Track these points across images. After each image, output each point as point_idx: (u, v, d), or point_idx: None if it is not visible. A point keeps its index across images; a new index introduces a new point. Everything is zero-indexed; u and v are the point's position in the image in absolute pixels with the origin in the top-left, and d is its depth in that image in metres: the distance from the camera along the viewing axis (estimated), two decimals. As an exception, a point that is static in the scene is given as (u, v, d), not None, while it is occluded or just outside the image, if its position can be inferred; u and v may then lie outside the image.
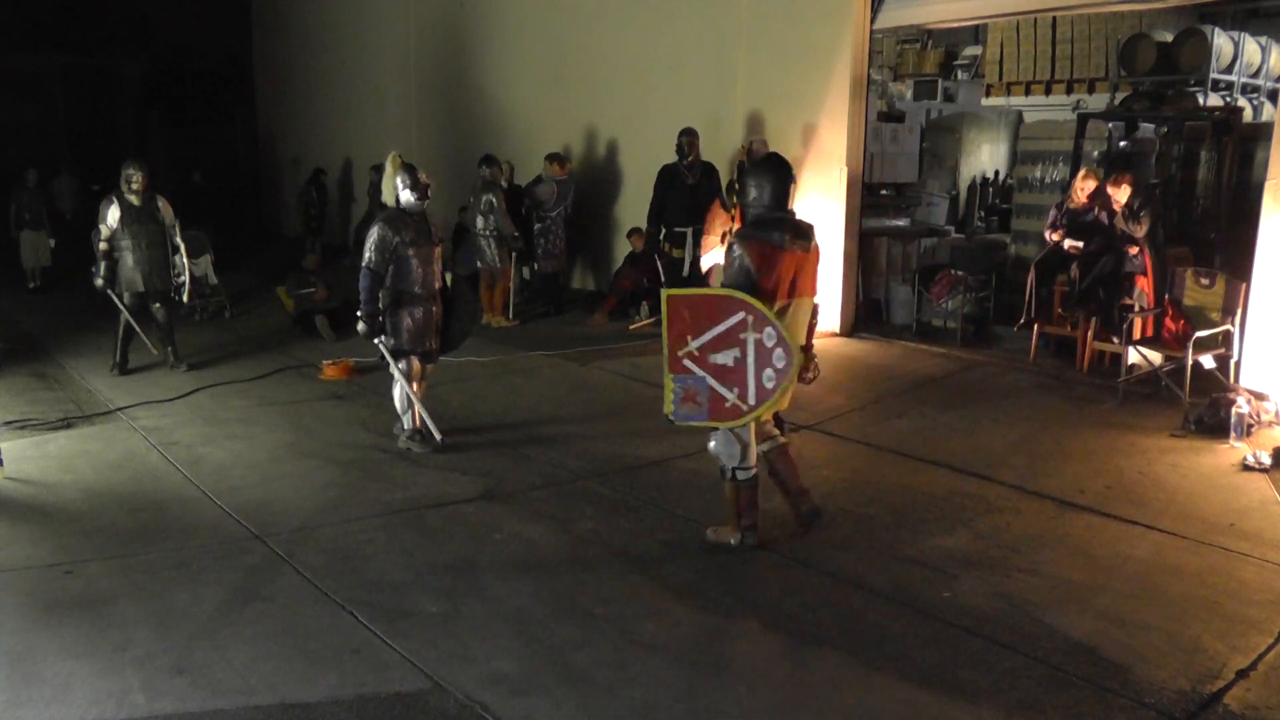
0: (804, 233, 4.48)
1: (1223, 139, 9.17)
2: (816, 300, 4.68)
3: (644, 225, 10.05)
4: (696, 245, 9.29)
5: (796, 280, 4.44)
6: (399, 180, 6.08)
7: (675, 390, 4.45)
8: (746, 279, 4.32)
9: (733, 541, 4.69)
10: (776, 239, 4.36)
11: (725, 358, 4.31)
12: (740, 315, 4.25)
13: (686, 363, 4.40)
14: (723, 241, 8.98)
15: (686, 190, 9.24)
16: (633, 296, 10.28)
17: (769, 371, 4.24)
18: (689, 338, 4.37)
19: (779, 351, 4.19)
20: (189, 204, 10.37)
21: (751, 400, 4.32)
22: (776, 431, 4.83)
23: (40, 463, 5.93)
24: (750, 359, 4.27)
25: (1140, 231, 7.44)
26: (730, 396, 4.35)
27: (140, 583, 4.33)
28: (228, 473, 5.79)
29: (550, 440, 6.37)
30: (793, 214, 4.58)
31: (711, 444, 4.63)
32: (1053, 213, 8.15)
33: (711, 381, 4.36)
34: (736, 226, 8.91)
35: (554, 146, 11.21)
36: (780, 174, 4.52)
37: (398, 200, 6.08)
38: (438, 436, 6.11)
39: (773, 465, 4.79)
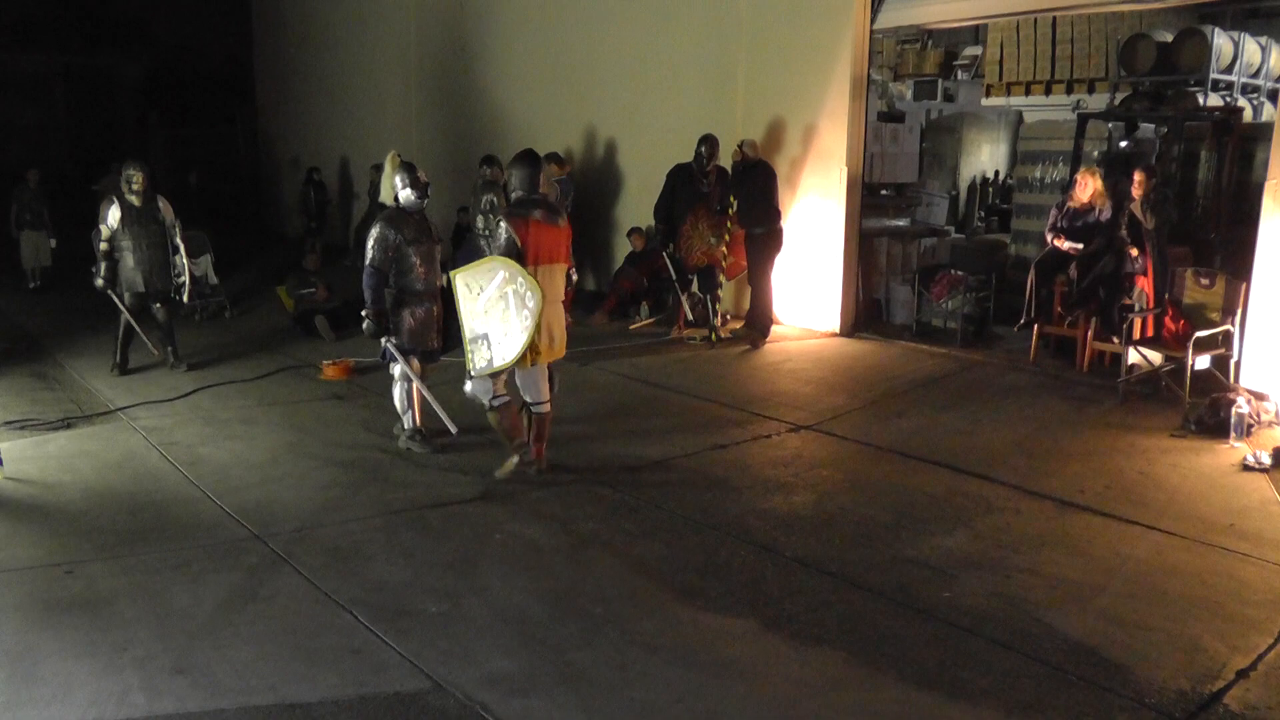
0: (555, 210, 5.48)
1: (1223, 139, 9.16)
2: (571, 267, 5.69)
3: (643, 224, 10.04)
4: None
5: (556, 248, 5.40)
6: (398, 179, 6.09)
7: (472, 348, 5.42)
8: (512, 249, 5.27)
9: (514, 461, 5.54)
10: (535, 215, 5.33)
11: (498, 309, 5.29)
12: (501, 274, 5.24)
13: (477, 321, 5.36)
14: (720, 244, 8.99)
15: (699, 196, 9.20)
16: (633, 296, 10.28)
17: (525, 311, 5.20)
18: (475, 301, 5.34)
19: (529, 294, 5.17)
20: (185, 206, 10.35)
21: (519, 337, 5.25)
22: (548, 398, 5.67)
23: (40, 463, 5.93)
24: (512, 306, 5.23)
25: (1151, 224, 7.47)
26: (505, 338, 5.32)
27: (140, 583, 4.33)
28: (228, 473, 5.79)
29: (550, 440, 6.36)
30: (544, 196, 5.50)
31: (468, 386, 5.55)
32: (1053, 213, 8.14)
33: (492, 332, 5.33)
34: (734, 227, 8.96)
35: (554, 147, 11.20)
36: (532, 163, 5.51)
37: (397, 199, 6.09)
38: (453, 429, 5.96)
39: (532, 423, 5.66)
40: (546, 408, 5.68)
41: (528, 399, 5.69)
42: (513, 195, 5.53)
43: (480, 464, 5.89)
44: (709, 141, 9.14)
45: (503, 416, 5.56)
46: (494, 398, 5.53)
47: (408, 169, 6.11)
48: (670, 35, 10.56)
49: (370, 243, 5.95)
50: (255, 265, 13.68)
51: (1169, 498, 5.36)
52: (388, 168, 6.20)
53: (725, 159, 9.25)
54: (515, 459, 5.59)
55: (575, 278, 5.89)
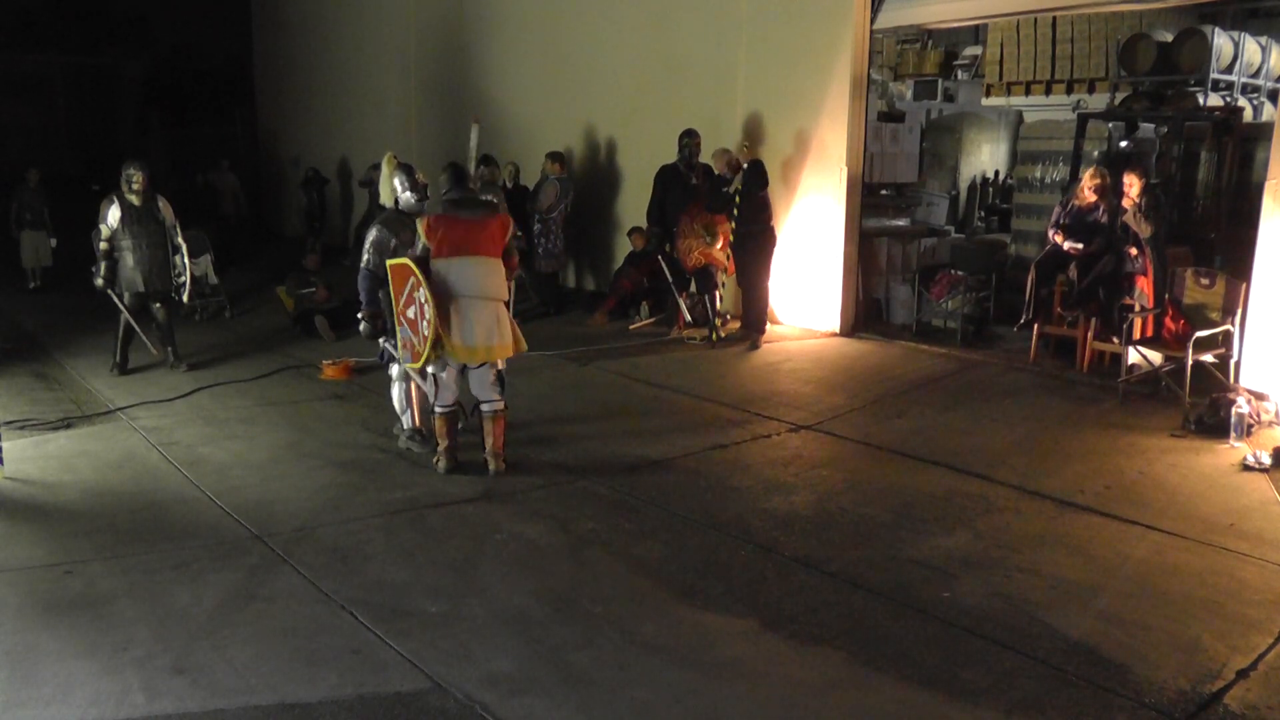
0: (474, 205, 5.75)
1: (1223, 139, 9.16)
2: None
3: (643, 224, 10.05)
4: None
5: (469, 240, 5.49)
6: (396, 181, 6.11)
7: (400, 340, 5.72)
8: (421, 245, 5.54)
9: (442, 463, 5.72)
10: (447, 211, 5.57)
11: (412, 313, 5.55)
12: (411, 279, 5.50)
13: (400, 318, 5.65)
14: (722, 247, 8.98)
15: (689, 191, 9.23)
16: (633, 296, 10.28)
17: (424, 322, 5.47)
18: (399, 299, 5.61)
19: (427, 307, 5.41)
20: (185, 205, 10.30)
21: (420, 345, 5.53)
22: (497, 397, 5.75)
23: (40, 463, 5.93)
24: (418, 311, 5.49)
25: (1146, 232, 7.45)
26: (415, 341, 5.57)
27: (140, 583, 4.33)
28: (228, 473, 5.79)
29: (550, 440, 6.37)
30: (472, 193, 5.90)
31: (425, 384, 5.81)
32: (1056, 210, 8.12)
33: (409, 331, 5.61)
34: (733, 225, 8.95)
35: (554, 146, 11.19)
36: (454, 168, 5.82)
37: (396, 201, 6.10)
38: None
39: (482, 424, 5.77)
40: (496, 406, 5.72)
41: (478, 398, 5.76)
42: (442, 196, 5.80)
43: (480, 464, 5.89)
44: (691, 134, 9.21)
45: (439, 423, 5.73)
46: (439, 405, 5.68)
47: (405, 171, 6.14)
48: (670, 35, 10.56)
49: (367, 246, 6.00)
50: (255, 265, 13.67)
51: (1169, 498, 5.35)
52: (385, 170, 6.21)
53: (710, 155, 9.26)
54: (442, 462, 5.74)
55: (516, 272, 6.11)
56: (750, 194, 8.85)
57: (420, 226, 5.52)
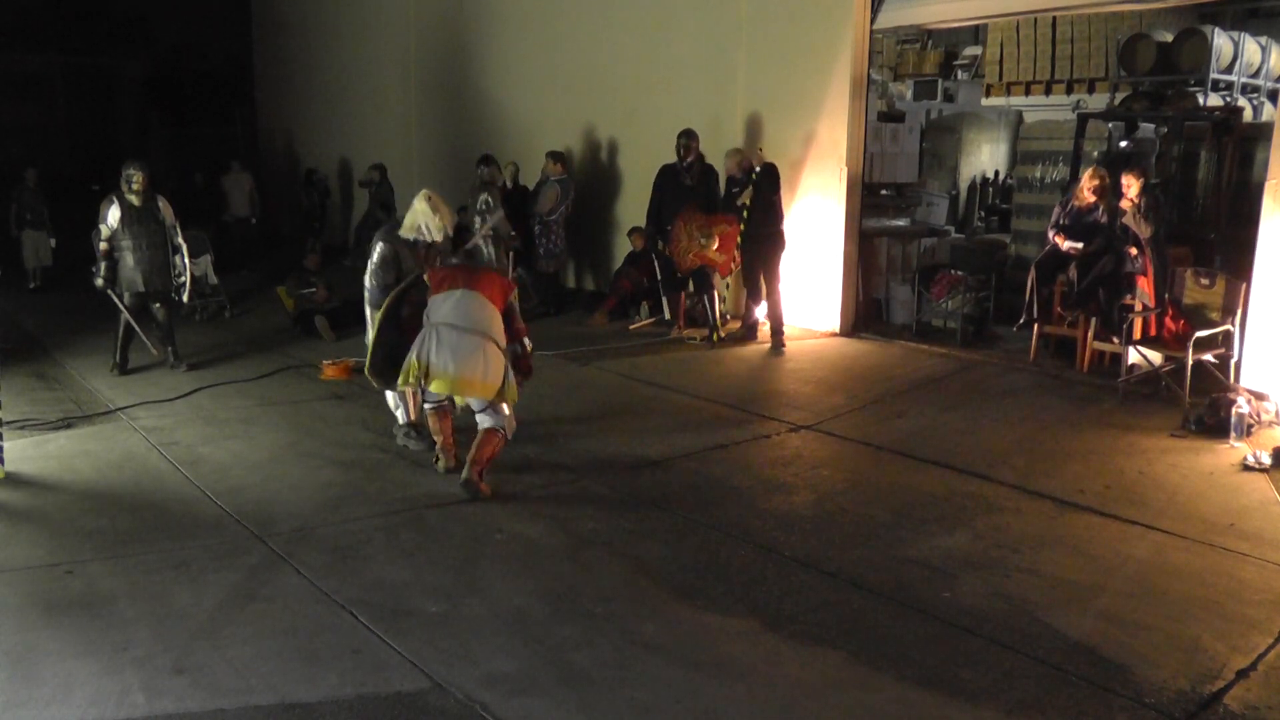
0: (472, 257, 6.05)
1: (1223, 139, 9.16)
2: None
3: (643, 224, 10.07)
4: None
5: (466, 279, 5.51)
6: (423, 221, 6.19)
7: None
8: (421, 285, 5.72)
9: (440, 464, 5.77)
10: (443, 263, 5.88)
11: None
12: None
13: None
14: (721, 249, 8.97)
15: (685, 191, 9.24)
16: (633, 296, 10.28)
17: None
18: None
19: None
20: (186, 205, 10.27)
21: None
22: (493, 422, 5.51)
23: (40, 463, 5.93)
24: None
25: (1145, 233, 7.45)
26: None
27: (140, 583, 4.33)
28: (228, 473, 5.79)
29: (550, 440, 6.37)
30: (472, 251, 6.19)
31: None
32: (1056, 210, 8.11)
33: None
34: (738, 226, 8.95)
35: (554, 146, 11.20)
36: (468, 252, 6.15)
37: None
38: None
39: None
40: (487, 424, 5.42)
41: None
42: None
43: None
44: (687, 134, 9.23)
45: (430, 418, 5.82)
46: (426, 401, 5.81)
47: (435, 211, 6.22)
48: (670, 35, 10.56)
49: (373, 262, 6.13)
50: (256, 265, 13.67)
51: (1169, 498, 5.36)
52: (418, 205, 6.28)
53: (717, 157, 9.24)
54: (441, 461, 5.78)
55: (529, 347, 5.80)
56: (764, 197, 8.84)
57: (425, 275, 5.67)
